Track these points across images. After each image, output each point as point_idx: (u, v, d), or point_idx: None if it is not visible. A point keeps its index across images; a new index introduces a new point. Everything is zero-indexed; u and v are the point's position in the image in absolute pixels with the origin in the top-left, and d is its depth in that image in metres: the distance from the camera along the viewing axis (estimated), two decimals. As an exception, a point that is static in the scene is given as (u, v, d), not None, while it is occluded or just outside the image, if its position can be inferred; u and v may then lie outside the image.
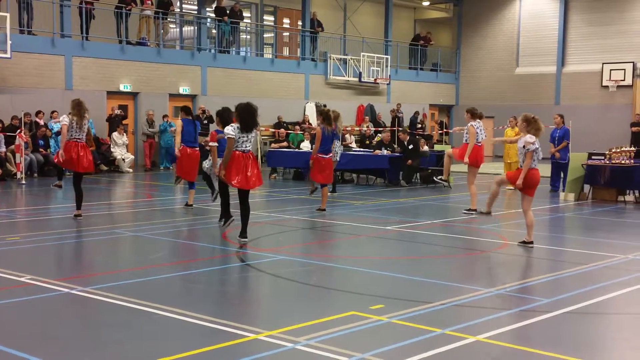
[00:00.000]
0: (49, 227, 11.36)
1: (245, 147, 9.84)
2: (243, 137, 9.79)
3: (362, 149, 21.43)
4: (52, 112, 20.62)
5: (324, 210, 13.16)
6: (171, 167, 21.54)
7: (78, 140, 11.70)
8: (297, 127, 24.41)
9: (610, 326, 6.62)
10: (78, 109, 11.60)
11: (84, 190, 12.15)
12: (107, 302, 6.74)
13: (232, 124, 9.90)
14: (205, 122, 22.80)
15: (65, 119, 11.65)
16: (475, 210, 12.90)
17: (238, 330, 5.90)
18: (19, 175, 18.09)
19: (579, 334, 6.19)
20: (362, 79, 29.56)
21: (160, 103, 23.62)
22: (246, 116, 9.76)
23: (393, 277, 8.17)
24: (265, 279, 8.13)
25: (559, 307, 6.79)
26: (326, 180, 13.32)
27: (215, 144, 11.51)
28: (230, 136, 9.72)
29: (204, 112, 22.89)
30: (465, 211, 13.20)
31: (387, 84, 30.89)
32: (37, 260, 9.08)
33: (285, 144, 22.54)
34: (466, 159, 13.10)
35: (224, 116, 11.32)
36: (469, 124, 13.21)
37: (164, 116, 23.08)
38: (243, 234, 9.89)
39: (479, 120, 13.37)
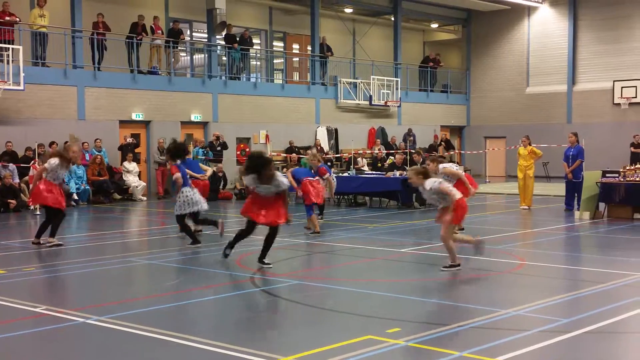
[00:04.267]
0: (63, 257, 11.37)
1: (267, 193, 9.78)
2: (261, 188, 9.74)
3: (374, 172, 21.41)
4: (65, 142, 20.75)
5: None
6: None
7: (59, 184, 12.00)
8: (309, 151, 24.39)
9: (631, 345, 6.52)
10: (64, 158, 11.85)
11: (90, 220, 12.41)
12: (122, 331, 6.72)
13: (250, 175, 9.72)
14: (219, 148, 22.91)
15: (54, 162, 11.73)
16: (462, 229, 12.85)
17: (254, 357, 5.85)
18: (32, 206, 18.17)
19: (599, 354, 6.09)
20: (373, 102, 29.62)
21: (172, 131, 23.74)
22: (258, 170, 9.64)
23: (409, 300, 8.11)
24: (281, 304, 8.08)
25: (578, 327, 6.70)
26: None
27: (179, 175, 11.80)
28: (251, 185, 9.79)
29: (217, 138, 23.02)
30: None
31: (398, 107, 30.93)
32: (52, 291, 9.10)
33: (297, 168, 22.54)
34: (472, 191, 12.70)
35: (173, 152, 11.98)
36: (443, 167, 12.50)
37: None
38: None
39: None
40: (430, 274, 9.92)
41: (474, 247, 9.86)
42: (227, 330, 6.89)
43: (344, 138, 28.28)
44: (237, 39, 26.06)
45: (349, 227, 14.63)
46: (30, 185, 12.24)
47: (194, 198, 11.90)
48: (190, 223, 12.26)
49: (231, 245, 10.48)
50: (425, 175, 9.59)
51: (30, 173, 18.37)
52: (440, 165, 12.51)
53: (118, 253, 11.56)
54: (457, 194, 9.49)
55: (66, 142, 12.31)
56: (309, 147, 25.99)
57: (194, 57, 28.01)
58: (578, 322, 6.91)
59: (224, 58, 26.56)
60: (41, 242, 11.96)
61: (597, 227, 14.57)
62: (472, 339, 6.45)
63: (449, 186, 9.59)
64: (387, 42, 33.66)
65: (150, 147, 23.47)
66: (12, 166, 18.96)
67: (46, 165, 11.82)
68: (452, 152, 29.03)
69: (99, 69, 22.28)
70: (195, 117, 24.48)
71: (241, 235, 10.30)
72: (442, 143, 30.31)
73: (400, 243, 12.29)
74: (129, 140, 22.29)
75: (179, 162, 12.02)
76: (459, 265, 9.58)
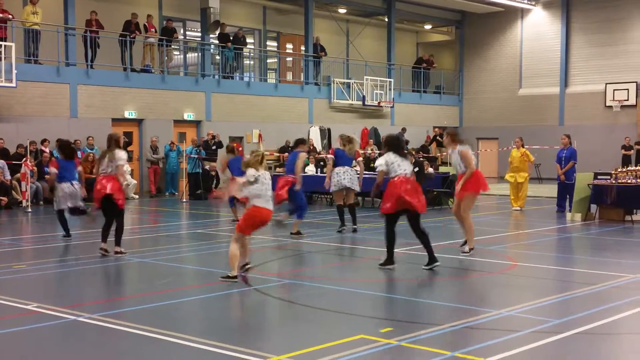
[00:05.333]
0: (55, 255, 11.34)
1: (404, 171, 9.71)
2: (397, 161, 9.71)
3: (366, 172, 21.38)
4: (58, 140, 20.70)
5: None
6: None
7: (108, 174, 10.93)
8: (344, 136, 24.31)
9: (622, 346, 6.54)
10: (108, 143, 11.21)
11: (81, 218, 12.52)
12: (114, 328, 6.70)
13: (383, 156, 9.85)
14: (214, 147, 22.88)
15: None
16: (472, 248, 11.00)
17: (247, 355, 5.84)
18: (24, 203, 18.12)
19: (590, 355, 6.12)
20: (366, 103, 29.63)
21: (165, 129, 23.70)
22: (395, 144, 9.85)
23: (402, 300, 8.11)
24: (273, 303, 8.08)
25: (570, 328, 6.73)
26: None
27: (55, 170, 12.28)
28: (381, 168, 9.74)
29: (213, 137, 22.98)
30: (464, 252, 11.02)
31: (391, 107, 30.96)
32: (43, 288, 9.06)
33: (290, 168, 22.54)
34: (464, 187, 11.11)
35: (63, 149, 12.59)
36: (459, 148, 11.01)
37: (171, 143, 23.19)
38: (433, 260, 9.73)
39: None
40: (423, 274, 9.93)
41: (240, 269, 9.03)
42: (218, 329, 6.89)
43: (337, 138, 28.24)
44: (231, 38, 26.02)
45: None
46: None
47: (72, 193, 12.39)
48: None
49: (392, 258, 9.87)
50: (246, 164, 8.86)
51: (22, 170, 18.30)
52: (460, 146, 11.01)
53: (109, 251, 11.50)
54: (252, 200, 8.70)
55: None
56: (301, 147, 25.94)
57: (188, 55, 27.96)
58: (569, 323, 6.94)
59: (218, 57, 26.51)
60: (123, 250, 10.89)
61: (589, 229, 14.63)
62: (464, 339, 6.46)
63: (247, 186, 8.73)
64: (380, 42, 33.69)
65: (142, 146, 23.41)
66: (2, 162, 18.85)
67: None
68: (444, 153, 28.95)
69: (91, 67, 22.21)
70: (188, 115, 24.44)
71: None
72: (438, 138, 29.89)
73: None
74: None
75: (61, 157, 12.66)
76: (235, 277, 8.77)
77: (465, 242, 11.13)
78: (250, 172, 8.72)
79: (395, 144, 9.93)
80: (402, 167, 9.74)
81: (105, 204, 10.80)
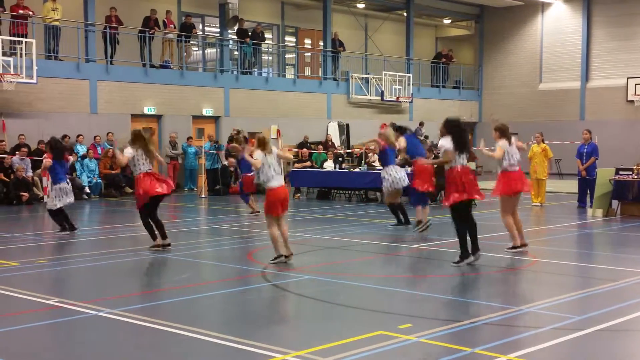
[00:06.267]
0: (76, 250, 11.42)
1: (463, 160, 9.65)
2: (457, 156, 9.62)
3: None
4: (78, 135, 20.87)
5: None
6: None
7: (149, 171, 10.97)
8: (320, 146, 24.42)
9: (645, 344, 6.48)
10: (141, 140, 10.96)
11: (101, 214, 12.35)
12: (134, 323, 6.74)
13: (444, 140, 9.63)
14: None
15: (129, 151, 10.92)
16: (520, 246, 10.75)
17: (266, 350, 5.85)
18: (45, 199, 18.26)
19: (611, 352, 6.06)
20: (385, 98, 29.53)
21: (183, 125, 23.79)
22: (458, 134, 9.61)
23: (420, 296, 8.08)
24: (292, 299, 8.08)
25: (591, 325, 6.66)
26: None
27: (50, 162, 12.34)
28: (447, 150, 9.56)
29: (238, 132, 22.98)
30: (507, 249, 10.81)
31: (410, 102, 30.84)
32: (64, 283, 9.13)
33: (308, 163, 22.57)
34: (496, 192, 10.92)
35: (53, 147, 12.50)
36: (503, 146, 10.74)
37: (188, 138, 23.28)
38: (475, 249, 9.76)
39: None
40: (441, 270, 9.89)
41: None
42: (238, 324, 6.89)
43: (356, 133, 28.22)
44: (249, 33, 26.04)
45: (360, 223, 14.61)
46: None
47: (66, 190, 12.56)
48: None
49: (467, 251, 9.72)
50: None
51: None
52: (502, 143, 10.69)
53: (129, 246, 11.58)
54: (272, 184, 9.59)
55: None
56: (320, 143, 25.99)
57: (206, 51, 28.03)
58: (590, 320, 6.87)
59: (236, 53, 26.55)
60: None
61: (610, 225, 14.49)
62: (484, 336, 6.43)
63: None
64: (399, 37, 33.56)
65: (161, 141, 23.51)
66: (27, 160, 19.03)
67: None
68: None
69: (111, 63, 22.33)
70: (206, 111, 24.50)
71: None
72: None
73: (411, 239, 12.26)
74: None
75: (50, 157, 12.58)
76: (280, 256, 9.76)
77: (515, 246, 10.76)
78: (257, 154, 9.68)
79: (457, 131, 9.61)
80: (461, 157, 9.61)
81: (151, 201, 10.99)
